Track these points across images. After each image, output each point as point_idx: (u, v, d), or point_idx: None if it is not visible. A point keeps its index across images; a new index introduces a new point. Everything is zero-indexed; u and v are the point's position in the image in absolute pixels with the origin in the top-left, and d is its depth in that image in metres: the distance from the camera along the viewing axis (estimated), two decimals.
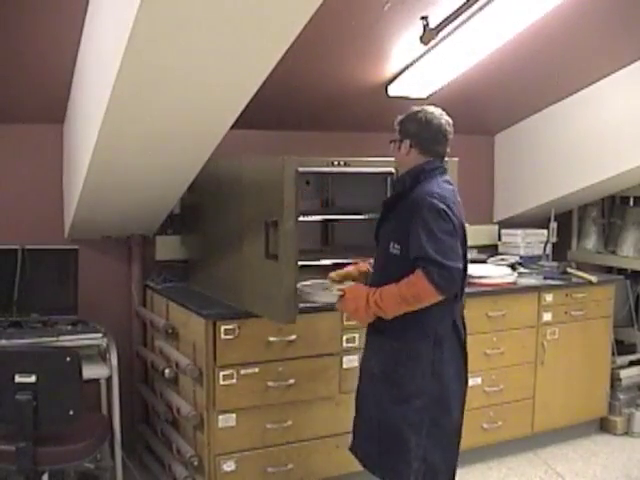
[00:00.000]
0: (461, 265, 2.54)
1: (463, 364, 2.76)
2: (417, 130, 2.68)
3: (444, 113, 2.72)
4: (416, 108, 2.74)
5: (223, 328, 3.07)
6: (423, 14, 3.13)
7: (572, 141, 4.33)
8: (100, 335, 3.26)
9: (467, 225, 2.79)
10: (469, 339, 2.79)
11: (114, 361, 3.25)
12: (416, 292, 2.51)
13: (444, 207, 2.55)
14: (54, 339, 3.12)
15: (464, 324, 2.77)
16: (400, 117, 2.76)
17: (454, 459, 2.74)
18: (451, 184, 2.72)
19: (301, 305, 3.03)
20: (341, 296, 2.74)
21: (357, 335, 3.33)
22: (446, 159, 2.78)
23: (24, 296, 3.38)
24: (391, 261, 2.65)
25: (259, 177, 3.06)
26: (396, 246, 2.63)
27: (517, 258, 4.45)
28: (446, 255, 2.49)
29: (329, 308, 3.26)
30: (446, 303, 2.59)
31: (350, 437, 2.81)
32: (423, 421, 2.62)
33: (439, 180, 2.66)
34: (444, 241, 2.51)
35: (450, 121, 2.72)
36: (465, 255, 2.66)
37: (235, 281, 3.24)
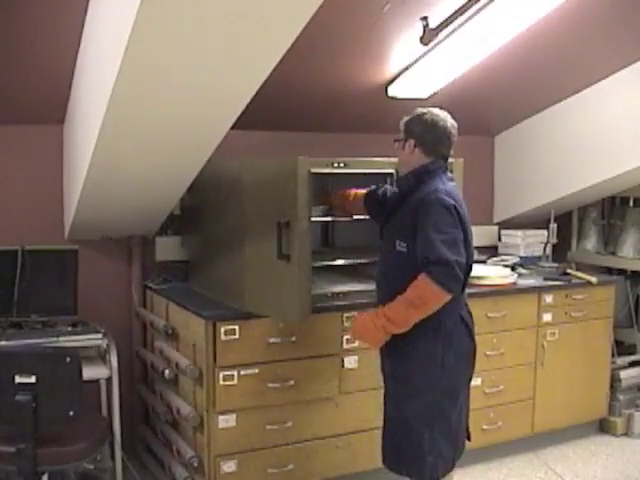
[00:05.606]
0: (464, 259, 2.57)
1: (472, 355, 2.78)
2: (422, 131, 2.73)
3: (449, 116, 2.77)
4: (422, 110, 2.78)
5: (223, 329, 3.07)
6: (423, 15, 3.13)
7: (572, 142, 4.33)
8: (100, 336, 3.26)
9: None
10: None
11: (114, 362, 3.25)
12: (419, 293, 2.52)
13: (452, 202, 2.60)
14: (54, 340, 3.12)
15: (470, 314, 2.80)
16: (406, 118, 2.80)
17: (456, 450, 2.77)
18: (453, 181, 2.78)
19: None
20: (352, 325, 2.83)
21: None
22: (451, 160, 2.82)
23: (24, 297, 3.37)
24: (398, 259, 2.70)
25: (268, 178, 3.06)
26: (402, 244, 2.67)
27: (517, 259, 4.45)
28: (452, 249, 2.52)
29: (329, 309, 3.28)
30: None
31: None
32: (434, 415, 2.66)
33: (443, 178, 2.71)
34: (450, 234, 2.54)
35: (455, 124, 2.77)
36: (470, 250, 2.68)
37: (236, 282, 3.24)
